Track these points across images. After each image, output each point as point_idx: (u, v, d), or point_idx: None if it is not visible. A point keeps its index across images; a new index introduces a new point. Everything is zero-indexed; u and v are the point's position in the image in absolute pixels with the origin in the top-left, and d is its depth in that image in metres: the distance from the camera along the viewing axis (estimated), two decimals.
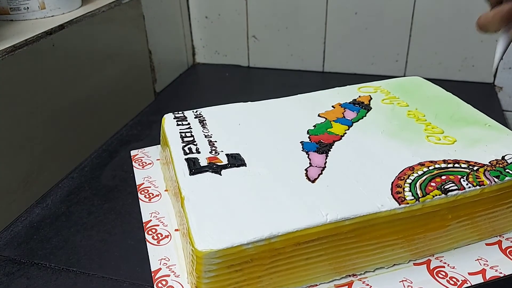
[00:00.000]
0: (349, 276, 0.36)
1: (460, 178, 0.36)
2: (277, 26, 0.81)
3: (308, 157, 0.40)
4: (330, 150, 0.41)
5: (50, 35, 0.51)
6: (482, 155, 0.39)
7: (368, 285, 0.36)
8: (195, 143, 0.43)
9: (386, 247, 0.36)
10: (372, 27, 0.76)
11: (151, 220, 0.43)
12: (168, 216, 0.43)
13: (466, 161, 0.38)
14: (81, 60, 0.57)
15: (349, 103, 0.49)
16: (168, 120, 0.47)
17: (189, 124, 0.46)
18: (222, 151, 0.41)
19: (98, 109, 0.61)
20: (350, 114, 0.47)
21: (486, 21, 0.36)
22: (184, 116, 0.48)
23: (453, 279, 0.35)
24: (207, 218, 0.33)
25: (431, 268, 0.37)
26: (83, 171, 0.56)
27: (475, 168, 0.37)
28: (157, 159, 0.52)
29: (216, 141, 0.43)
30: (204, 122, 0.46)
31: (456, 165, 0.38)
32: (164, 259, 0.38)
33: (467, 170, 0.37)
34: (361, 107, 0.48)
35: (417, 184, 0.36)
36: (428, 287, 0.35)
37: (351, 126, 0.45)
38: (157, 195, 0.46)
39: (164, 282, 0.36)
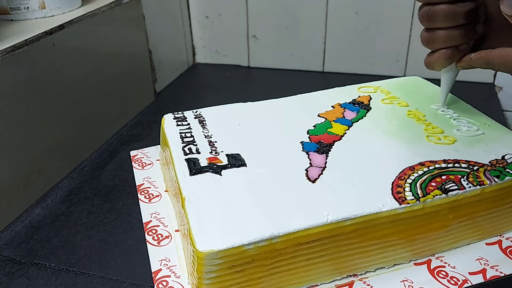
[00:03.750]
0: (350, 276, 0.36)
1: (461, 178, 0.36)
2: (277, 26, 0.81)
3: (308, 157, 0.40)
4: (330, 150, 0.41)
5: (50, 35, 0.51)
6: (482, 155, 0.39)
7: (369, 285, 0.36)
8: (195, 143, 0.43)
9: (387, 247, 0.36)
10: (372, 27, 0.76)
11: (151, 221, 0.43)
12: (168, 217, 0.43)
13: (466, 160, 0.38)
14: (81, 60, 0.57)
15: (349, 103, 0.49)
16: (168, 121, 0.47)
17: (189, 124, 0.46)
18: (222, 151, 0.41)
19: (98, 109, 0.61)
20: (350, 114, 0.47)
21: (433, 60, 0.40)
22: (184, 116, 0.48)
23: (454, 279, 0.35)
24: (208, 219, 0.33)
25: (431, 268, 0.37)
26: (83, 171, 0.56)
27: (475, 168, 0.38)
28: (157, 160, 0.52)
29: (216, 141, 0.43)
30: (204, 122, 0.46)
31: (456, 164, 0.38)
32: (164, 259, 0.38)
33: (467, 170, 0.37)
34: (361, 107, 0.48)
35: (418, 184, 0.36)
36: (429, 287, 0.35)
37: (351, 126, 0.45)
38: (157, 196, 0.46)
39: (164, 283, 0.36)
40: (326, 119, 0.46)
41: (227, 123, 0.46)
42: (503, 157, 0.39)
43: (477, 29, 0.39)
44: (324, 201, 0.35)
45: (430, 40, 0.39)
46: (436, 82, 0.53)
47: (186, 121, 0.47)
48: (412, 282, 0.36)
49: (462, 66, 0.41)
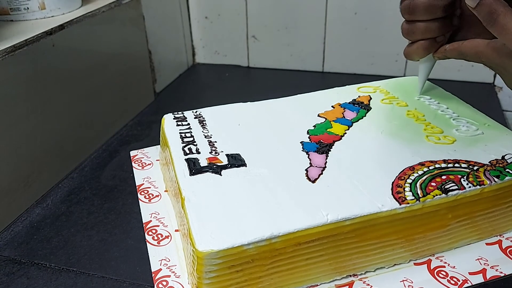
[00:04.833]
0: (350, 276, 0.36)
1: (460, 178, 0.36)
2: (276, 26, 0.81)
3: (308, 157, 0.40)
4: (330, 150, 0.41)
5: (50, 35, 0.51)
6: (482, 154, 0.39)
7: (368, 285, 0.36)
8: (195, 143, 0.43)
9: (386, 247, 0.36)
10: (372, 27, 0.76)
11: (151, 221, 0.43)
12: (168, 217, 0.43)
13: (466, 160, 0.38)
14: (81, 60, 0.57)
15: (349, 103, 0.49)
16: (168, 121, 0.47)
17: (189, 124, 0.46)
18: (222, 152, 0.41)
19: (98, 109, 0.61)
20: (349, 114, 0.47)
21: (411, 51, 0.43)
22: (184, 116, 0.48)
23: (454, 279, 0.36)
24: (207, 219, 0.33)
25: (431, 268, 0.37)
26: (83, 171, 0.56)
27: (475, 167, 0.38)
28: (157, 160, 0.52)
29: (216, 141, 0.43)
30: (204, 122, 0.46)
31: (456, 164, 0.38)
32: (164, 259, 0.38)
33: (467, 170, 0.37)
34: (361, 107, 0.48)
35: (418, 184, 0.36)
36: (429, 287, 0.35)
37: (351, 126, 0.45)
38: (157, 196, 0.46)
39: (164, 283, 0.36)
40: (326, 119, 0.46)
41: (227, 123, 0.46)
42: (503, 157, 0.39)
43: (454, 22, 0.41)
44: (323, 201, 0.35)
45: (410, 32, 0.42)
46: (435, 82, 0.53)
47: (186, 121, 0.47)
48: (412, 282, 0.36)
49: (438, 57, 0.43)
